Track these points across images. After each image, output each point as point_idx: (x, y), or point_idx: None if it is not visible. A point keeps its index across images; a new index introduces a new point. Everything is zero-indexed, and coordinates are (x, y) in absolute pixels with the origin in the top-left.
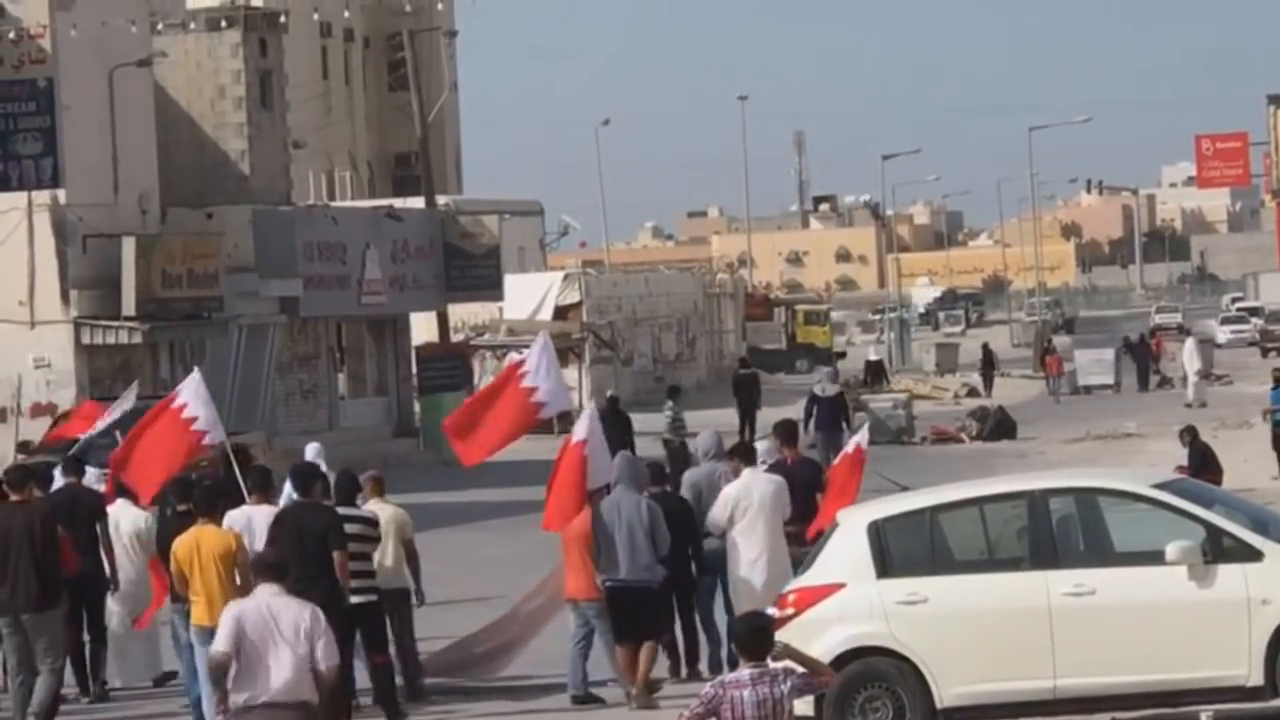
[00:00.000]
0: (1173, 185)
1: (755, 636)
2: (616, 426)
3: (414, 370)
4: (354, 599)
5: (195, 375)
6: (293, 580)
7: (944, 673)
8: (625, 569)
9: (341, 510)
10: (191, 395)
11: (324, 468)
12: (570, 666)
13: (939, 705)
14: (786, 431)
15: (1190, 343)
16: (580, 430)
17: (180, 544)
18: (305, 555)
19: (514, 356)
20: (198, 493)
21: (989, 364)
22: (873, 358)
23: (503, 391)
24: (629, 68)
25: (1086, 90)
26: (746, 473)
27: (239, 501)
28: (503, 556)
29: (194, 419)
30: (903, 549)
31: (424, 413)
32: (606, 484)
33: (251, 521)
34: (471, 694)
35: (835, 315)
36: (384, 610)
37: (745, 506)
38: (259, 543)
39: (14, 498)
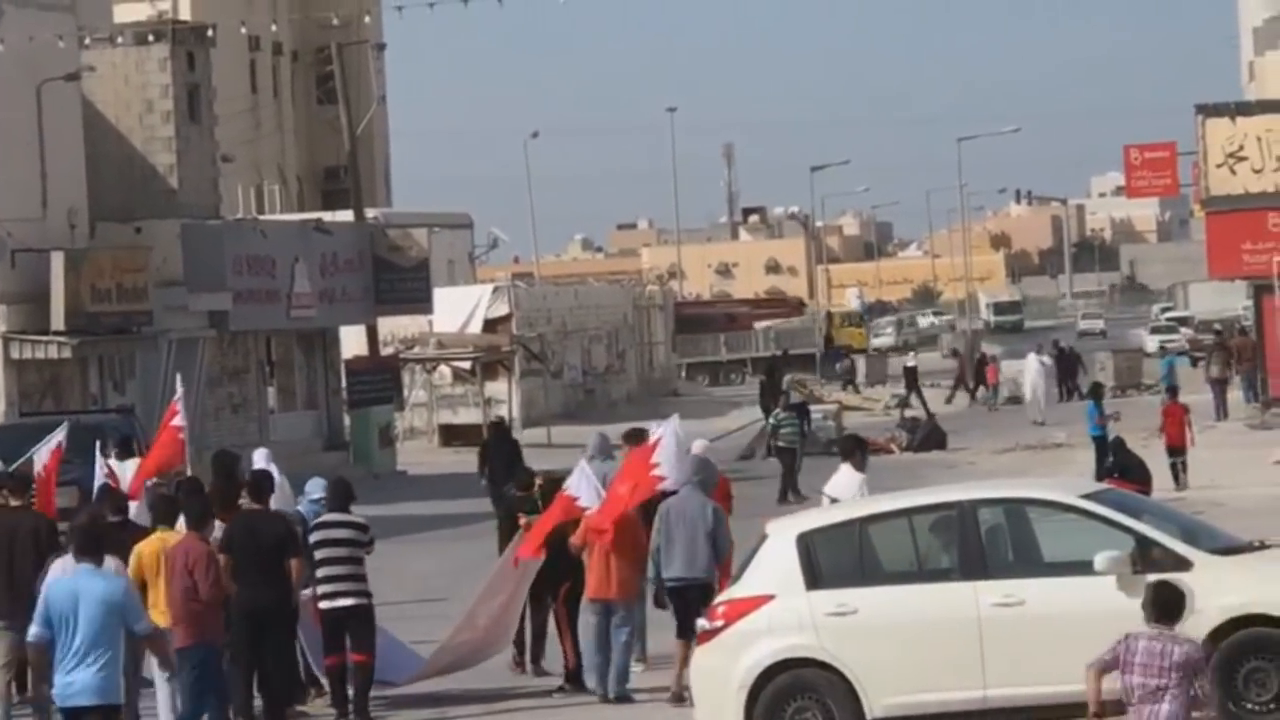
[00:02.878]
0: (1102, 195)
1: (1164, 604)
2: (503, 450)
3: (344, 384)
4: (345, 601)
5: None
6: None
7: (874, 684)
8: (685, 568)
9: (335, 516)
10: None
11: (275, 472)
12: (595, 668)
13: (869, 716)
14: (633, 437)
15: (1033, 359)
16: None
17: (143, 549)
18: (259, 561)
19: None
20: (162, 504)
21: (912, 384)
22: (910, 364)
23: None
24: (558, 81)
25: (1015, 101)
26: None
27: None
28: (433, 570)
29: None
30: (832, 560)
31: (354, 426)
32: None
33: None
34: (441, 701)
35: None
36: (373, 613)
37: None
38: None
39: (14, 503)
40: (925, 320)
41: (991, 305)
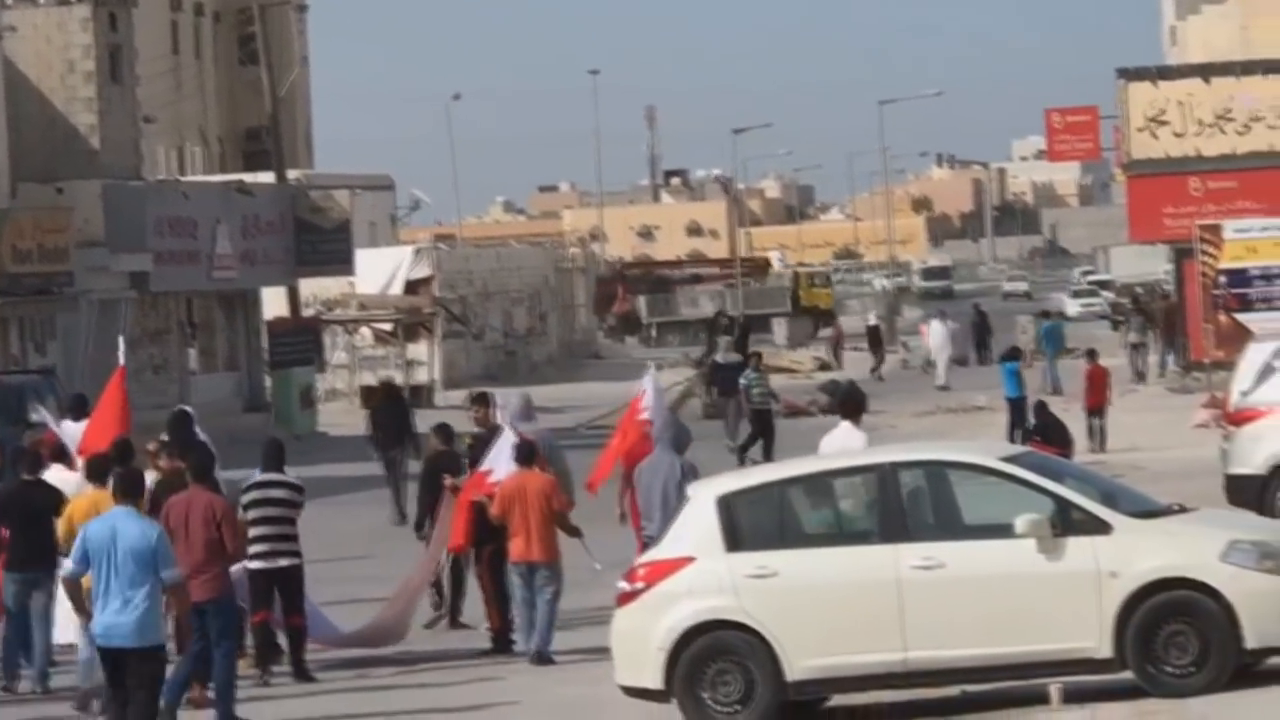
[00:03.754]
0: (1023, 159)
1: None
2: (394, 414)
3: (265, 345)
4: (282, 562)
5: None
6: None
7: (793, 646)
8: (660, 525)
9: (270, 476)
10: None
11: (200, 433)
12: (524, 628)
13: (788, 678)
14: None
15: (936, 324)
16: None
17: (78, 509)
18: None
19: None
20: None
21: (876, 343)
22: (872, 323)
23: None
24: (481, 43)
25: (937, 65)
26: None
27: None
28: (352, 531)
29: None
30: (752, 522)
31: (275, 387)
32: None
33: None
34: (366, 664)
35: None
36: (303, 574)
37: None
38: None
39: (26, 477)
40: (879, 282)
41: (921, 270)
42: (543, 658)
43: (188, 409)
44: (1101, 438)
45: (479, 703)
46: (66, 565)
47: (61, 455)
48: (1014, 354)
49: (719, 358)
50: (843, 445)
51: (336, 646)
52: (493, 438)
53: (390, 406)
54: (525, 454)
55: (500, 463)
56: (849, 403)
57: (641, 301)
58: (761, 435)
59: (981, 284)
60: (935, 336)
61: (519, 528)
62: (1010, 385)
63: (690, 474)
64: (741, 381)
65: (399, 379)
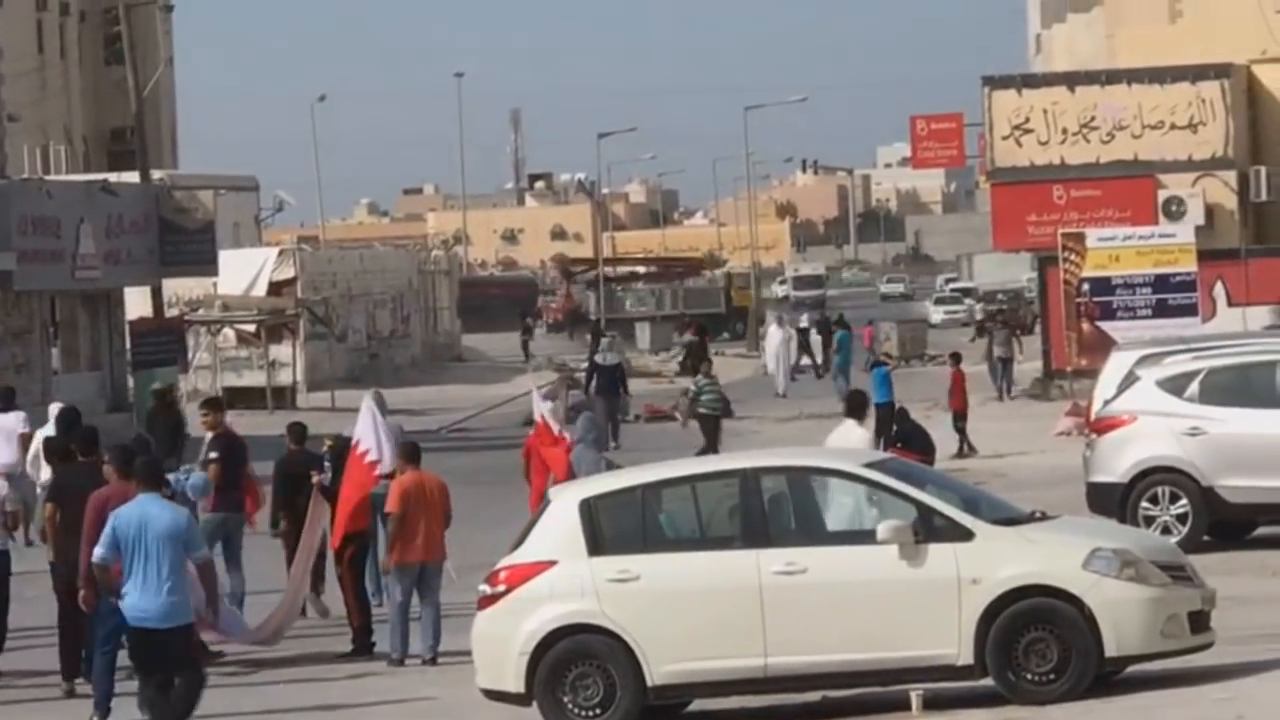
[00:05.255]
0: (888, 166)
1: None
2: (166, 422)
3: (128, 345)
4: None
5: None
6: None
7: (655, 650)
8: None
9: None
10: None
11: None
12: (398, 631)
13: (649, 683)
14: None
15: (774, 329)
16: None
17: None
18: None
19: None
20: None
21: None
22: (802, 325)
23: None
24: (345, 44)
25: (802, 71)
26: None
27: None
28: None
29: None
30: (614, 526)
31: (137, 387)
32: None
33: None
34: (227, 663)
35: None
36: None
37: None
38: None
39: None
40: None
41: (792, 279)
42: (436, 658)
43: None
44: (966, 442)
45: (342, 703)
46: (97, 551)
47: None
48: (883, 360)
49: (599, 358)
50: (844, 441)
51: (240, 642)
52: (229, 442)
53: (163, 412)
54: (413, 454)
55: (372, 442)
56: (853, 402)
57: (591, 299)
58: (706, 441)
59: (846, 290)
60: (771, 341)
61: (416, 529)
62: (880, 391)
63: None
64: (691, 388)
65: (262, 380)
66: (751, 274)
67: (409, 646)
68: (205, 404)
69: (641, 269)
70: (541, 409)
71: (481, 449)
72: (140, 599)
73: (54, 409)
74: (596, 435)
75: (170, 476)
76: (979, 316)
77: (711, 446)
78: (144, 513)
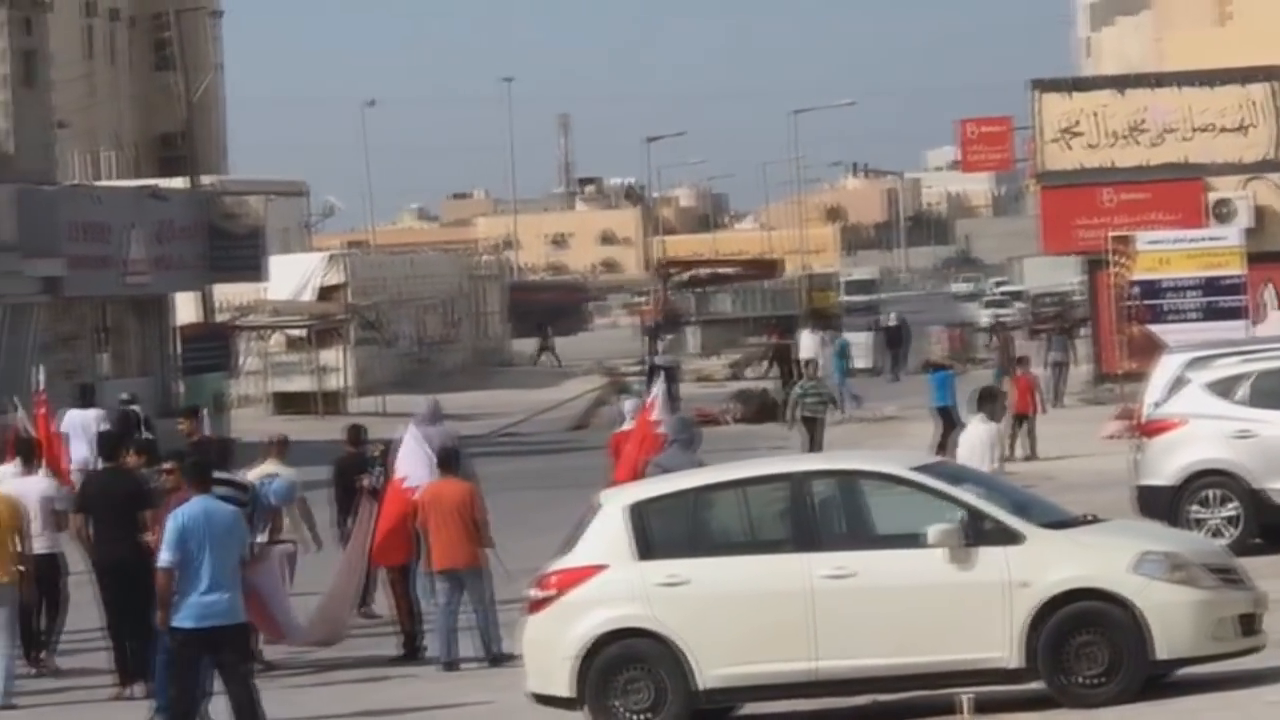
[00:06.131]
0: (937, 169)
1: None
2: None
3: (177, 351)
4: None
5: None
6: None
7: (704, 655)
8: None
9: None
10: None
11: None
12: (441, 636)
13: (699, 687)
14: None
15: (806, 335)
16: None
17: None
18: (114, 516)
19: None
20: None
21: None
22: (893, 323)
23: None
24: (395, 49)
25: (850, 75)
26: None
27: None
28: None
29: None
30: (664, 531)
31: (187, 393)
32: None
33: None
34: (271, 668)
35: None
36: None
37: None
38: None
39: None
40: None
41: (844, 283)
42: (499, 658)
43: (98, 412)
44: (1027, 441)
45: (390, 708)
46: (163, 556)
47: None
48: (943, 364)
49: (658, 359)
50: (973, 438)
51: (296, 643)
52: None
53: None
54: (447, 460)
55: (412, 468)
56: (983, 398)
57: (692, 299)
58: (809, 445)
59: (897, 294)
60: (805, 349)
61: (437, 536)
62: (940, 394)
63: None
64: (796, 390)
65: (311, 385)
66: (835, 276)
67: (456, 651)
68: (184, 413)
69: (731, 270)
70: (644, 401)
71: (530, 454)
72: (205, 597)
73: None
74: (690, 435)
75: (253, 482)
76: (1028, 320)
77: (816, 448)
78: (207, 510)
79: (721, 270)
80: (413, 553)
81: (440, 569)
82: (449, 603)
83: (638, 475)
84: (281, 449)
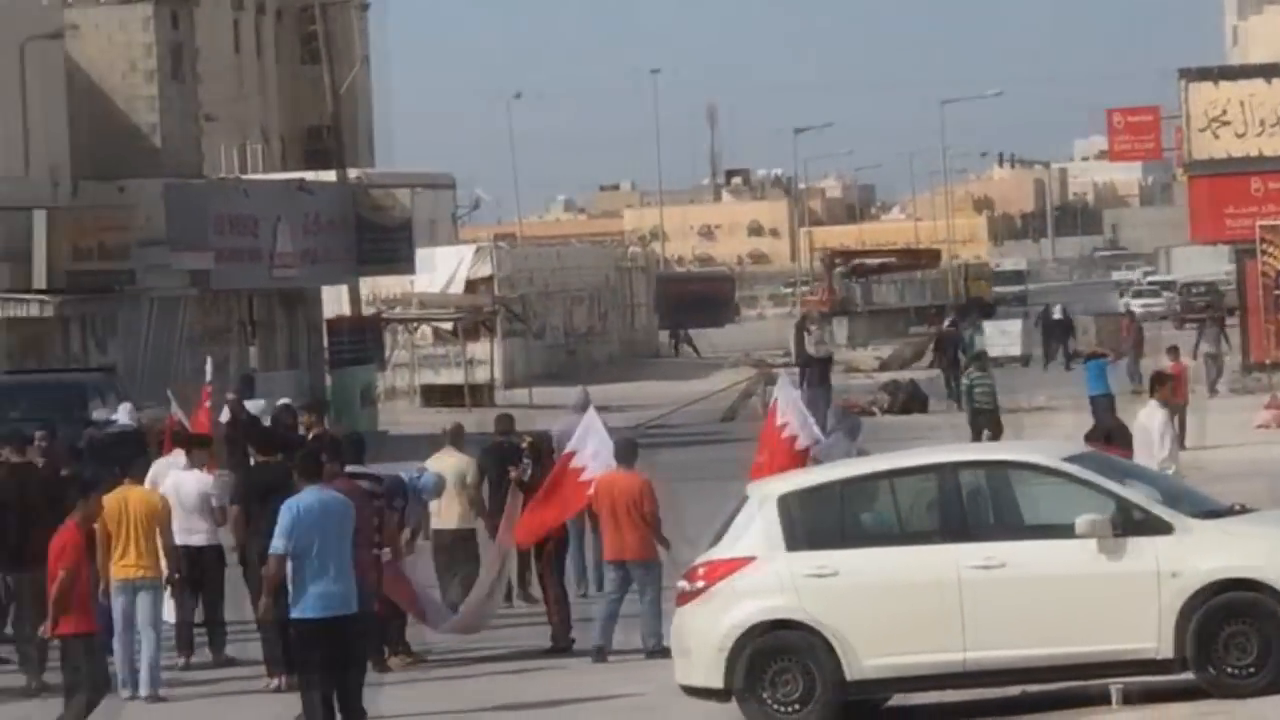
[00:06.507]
0: (1084, 159)
1: None
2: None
3: (325, 343)
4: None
5: None
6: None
7: (853, 645)
8: None
9: (352, 469)
10: None
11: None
12: (601, 624)
13: (848, 678)
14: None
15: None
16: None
17: (108, 502)
18: (267, 510)
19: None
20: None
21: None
22: (1057, 316)
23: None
24: (542, 41)
25: (997, 65)
26: None
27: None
28: None
29: None
30: (813, 522)
31: (334, 386)
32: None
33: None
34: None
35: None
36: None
37: None
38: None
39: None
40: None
41: (995, 274)
42: (654, 652)
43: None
44: (1181, 433)
45: (540, 700)
46: (277, 544)
47: (181, 439)
48: (1099, 353)
49: (811, 350)
50: (1148, 421)
51: (443, 632)
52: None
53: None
54: (624, 453)
55: (591, 455)
56: (1157, 382)
57: (858, 290)
58: (981, 436)
59: (1045, 284)
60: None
61: (607, 526)
62: (1096, 383)
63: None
64: (964, 381)
65: (459, 378)
66: (990, 265)
67: (609, 641)
68: (304, 406)
69: (893, 260)
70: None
71: (679, 445)
72: (326, 586)
73: (253, 407)
74: (851, 425)
75: (404, 476)
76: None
77: (991, 438)
78: (321, 500)
79: (885, 260)
80: (563, 542)
81: (609, 560)
82: (613, 593)
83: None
84: (457, 437)
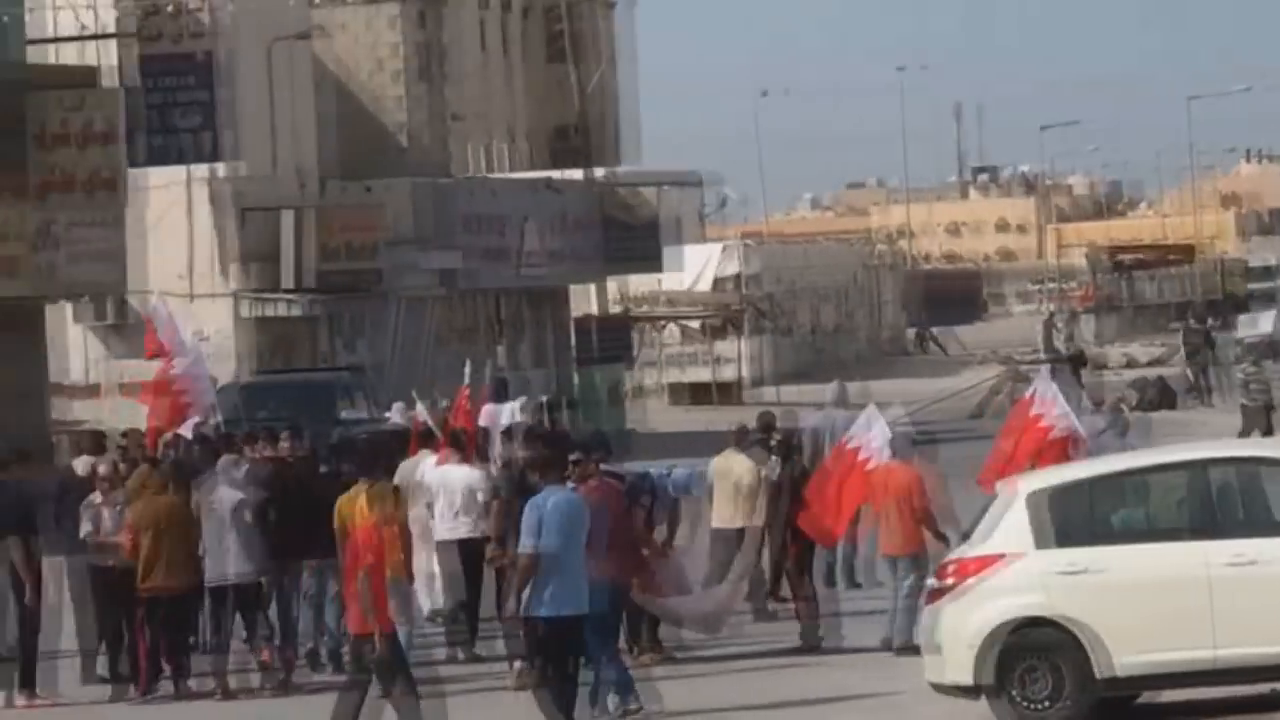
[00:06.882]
0: None
1: None
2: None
3: (573, 342)
4: None
5: (194, 348)
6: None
7: (1103, 643)
8: None
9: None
10: (187, 368)
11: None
12: (901, 619)
13: (1098, 675)
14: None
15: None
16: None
17: (344, 501)
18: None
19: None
20: (361, 452)
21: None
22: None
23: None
24: (787, 39)
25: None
26: None
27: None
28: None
29: (183, 391)
30: (1063, 519)
31: (583, 384)
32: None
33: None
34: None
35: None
36: None
37: None
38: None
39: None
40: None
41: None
42: (903, 650)
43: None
44: None
45: (792, 699)
46: (526, 542)
47: (428, 439)
48: None
49: (1060, 347)
50: None
51: (686, 623)
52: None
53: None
54: (900, 445)
55: (873, 444)
56: None
57: (1122, 285)
58: (1251, 431)
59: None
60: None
61: (881, 520)
62: None
63: None
64: (1239, 375)
65: (707, 376)
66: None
67: (893, 635)
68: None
69: (1152, 256)
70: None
71: (927, 443)
72: (567, 585)
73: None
74: (1120, 424)
75: (653, 472)
76: None
77: (1267, 434)
78: (565, 499)
79: (1144, 256)
80: (810, 542)
81: (884, 554)
82: (897, 587)
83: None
84: (741, 437)
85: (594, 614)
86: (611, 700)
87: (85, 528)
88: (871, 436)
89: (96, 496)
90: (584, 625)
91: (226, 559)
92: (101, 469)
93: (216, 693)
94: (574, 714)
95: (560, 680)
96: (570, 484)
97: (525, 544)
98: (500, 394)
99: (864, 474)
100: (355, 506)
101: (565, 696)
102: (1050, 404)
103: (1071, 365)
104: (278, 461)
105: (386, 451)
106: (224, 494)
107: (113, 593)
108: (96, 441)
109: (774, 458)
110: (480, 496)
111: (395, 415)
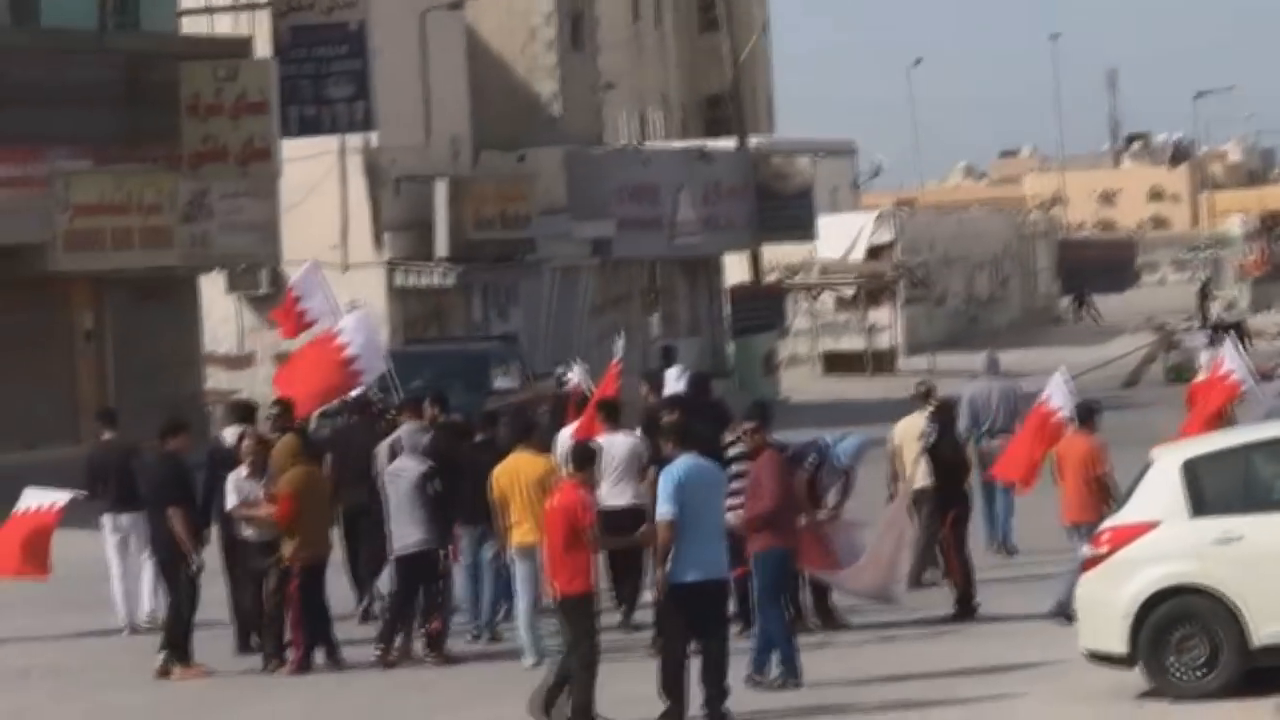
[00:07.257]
0: None
1: None
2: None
3: (727, 311)
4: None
5: (359, 314)
6: None
7: (1259, 612)
8: None
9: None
10: (353, 333)
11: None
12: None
13: (1253, 644)
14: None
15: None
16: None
17: (501, 471)
18: None
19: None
20: (518, 422)
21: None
22: None
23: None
24: (941, 6)
25: None
26: None
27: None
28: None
29: (354, 358)
30: (1217, 487)
31: (737, 353)
32: None
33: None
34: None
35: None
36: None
37: None
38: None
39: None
40: None
41: None
42: (1058, 616)
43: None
44: None
45: (945, 669)
46: (663, 508)
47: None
48: None
49: (1226, 315)
50: None
51: (846, 586)
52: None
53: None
54: (1083, 413)
55: (1059, 408)
56: None
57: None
58: None
59: None
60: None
61: (1064, 488)
62: None
63: None
64: None
65: (861, 344)
66: None
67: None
68: (644, 376)
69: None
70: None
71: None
72: (709, 553)
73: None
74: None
75: (820, 441)
76: None
77: None
78: (697, 466)
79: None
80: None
81: (1065, 522)
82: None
83: (1210, 427)
84: (924, 400)
85: (762, 582)
86: (775, 669)
87: (230, 499)
88: (1056, 400)
89: (243, 470)
90: (724, 591)
91: (412, 528)
92: (245, 442)
93: (378, 661)
94: (686, 689)
95: (681, 652)
96: (743, 452)
97: (662, 511)
98: (668, 361)
99: (1054, 428)
100: (514, 475)
101: (679, 670)
102: (1236, 362)
103: (1234, 333)
104: (449, 424)
105: (540, 421)
106: (407, 463)
107: (247, 566)
108: (247, 411)
109: (931, 424)
110: (643, 464)
111: (576, 374)
